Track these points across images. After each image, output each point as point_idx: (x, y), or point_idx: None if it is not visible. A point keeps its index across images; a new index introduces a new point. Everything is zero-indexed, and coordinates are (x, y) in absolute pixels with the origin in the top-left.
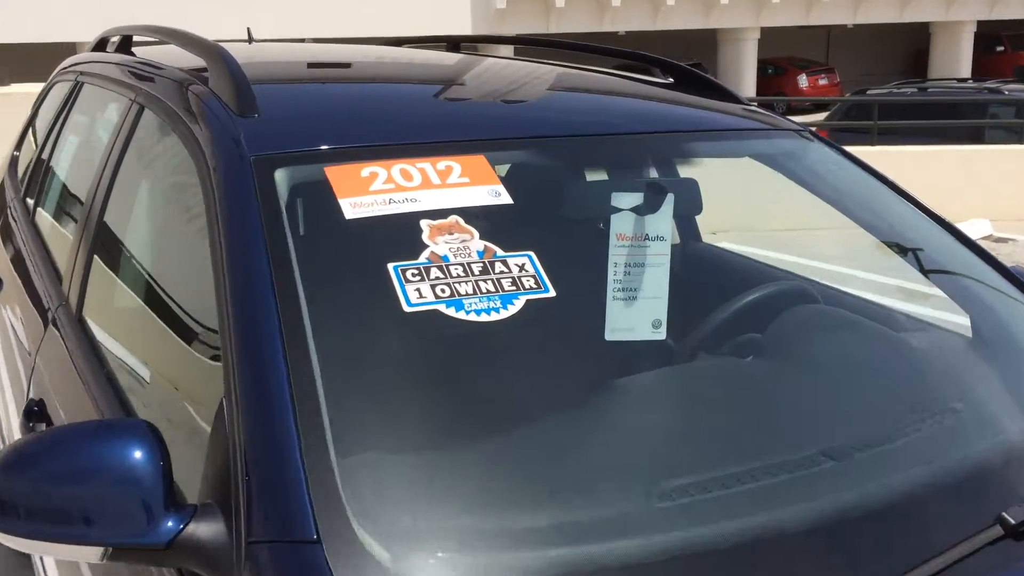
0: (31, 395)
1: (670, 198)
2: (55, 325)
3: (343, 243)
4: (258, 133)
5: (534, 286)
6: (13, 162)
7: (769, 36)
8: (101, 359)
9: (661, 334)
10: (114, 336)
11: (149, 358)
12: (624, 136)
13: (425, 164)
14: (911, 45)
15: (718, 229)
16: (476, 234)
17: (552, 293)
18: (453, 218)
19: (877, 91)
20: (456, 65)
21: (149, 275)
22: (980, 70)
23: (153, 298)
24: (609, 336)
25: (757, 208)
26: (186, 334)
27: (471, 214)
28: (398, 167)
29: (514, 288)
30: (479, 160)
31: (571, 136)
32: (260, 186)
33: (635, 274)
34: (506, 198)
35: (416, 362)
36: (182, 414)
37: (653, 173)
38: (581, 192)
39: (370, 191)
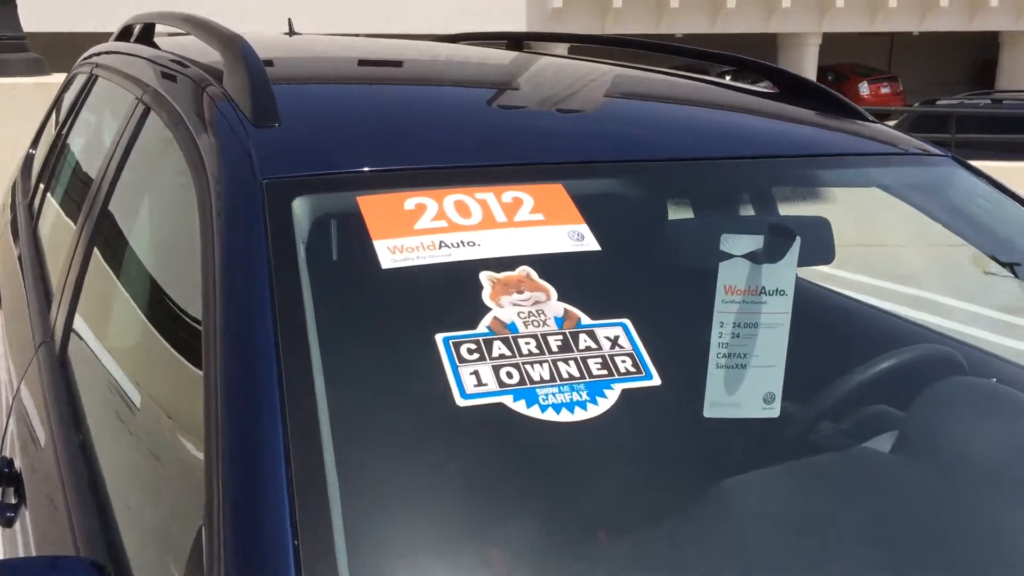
0: (5, 449)
1: (797, 243)
2: (38, 360)
3: (377, 303)
4: (275, 148)
5: (632, 369)
6: (28, 160)
7: (831, 41)
8: (79, 417)
9: (774, 411)
10: (98, 386)
11: (135, 413)
12: (734, 161)
13: (486, 194)
14: (978, 54)
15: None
16: (553, 293)
17: (656, 380)
18: (523, 270)
19: (947, 102)
20: (523, 67)
21: (145, 313)
22: None
23: (148, 340)
24: (709, 412)
25: (885, 251)
26: (180, 392)
27: (546, 264)
28: (452, 198)
29: (605, 372)
30: (556, 191)
31: (670, 160)
32: (272, 218)
33: (746, 337)
34: (591, 242)
35: (473, 480)
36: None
37: (748, 209)
38: (685, 233)
39: (416, 230)
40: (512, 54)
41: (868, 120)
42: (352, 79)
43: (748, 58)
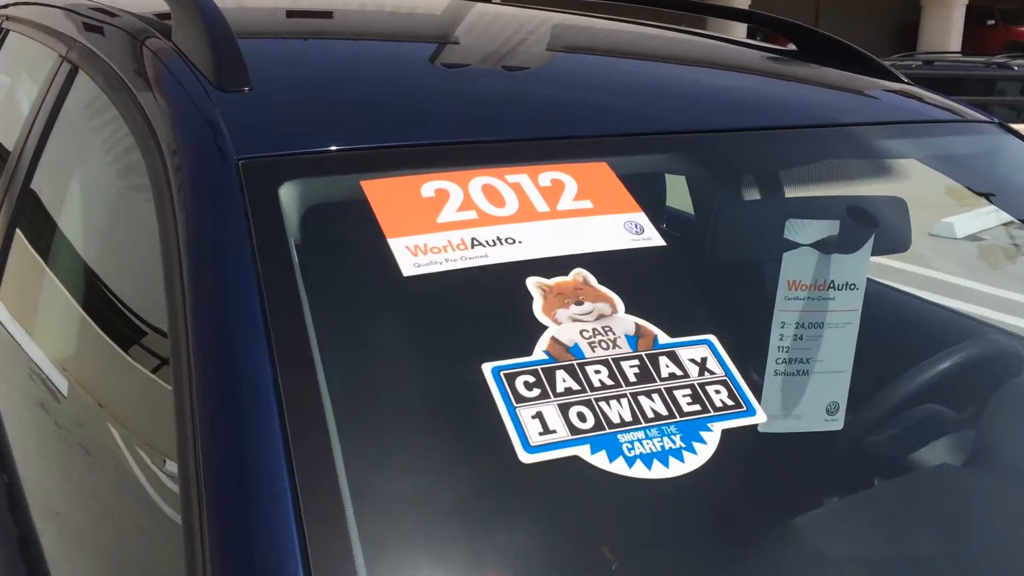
0: None
1: (873, 229)
2: None
3: (397, 321)
4: (250, 118)
5: (729, 403)
6: None
7: (757, 4)
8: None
9: (837, 423)
10: (16, 398)
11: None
12: (785, 132)
13: (519, 176)
14: (900, 18)
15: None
16: (619, 303)
17: (760, 416)
18: (579, 274)
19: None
20: (546, 24)
21: (80, 314)
22: (971, 45)
23: (83, 343)
24: (765, 427)
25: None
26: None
27: (601, 265)
28: (479, 182)
29: (698, 408)
30: (602, 171)
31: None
32: (254, 210)
33: (810, 339)
34: (653, 236)
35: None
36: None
37: (747, 194)
38: (736, 219)
39: (440, 225)
40: (532, 11)
41: (900, 80)
42: (342, 33)
43: (757, 11)
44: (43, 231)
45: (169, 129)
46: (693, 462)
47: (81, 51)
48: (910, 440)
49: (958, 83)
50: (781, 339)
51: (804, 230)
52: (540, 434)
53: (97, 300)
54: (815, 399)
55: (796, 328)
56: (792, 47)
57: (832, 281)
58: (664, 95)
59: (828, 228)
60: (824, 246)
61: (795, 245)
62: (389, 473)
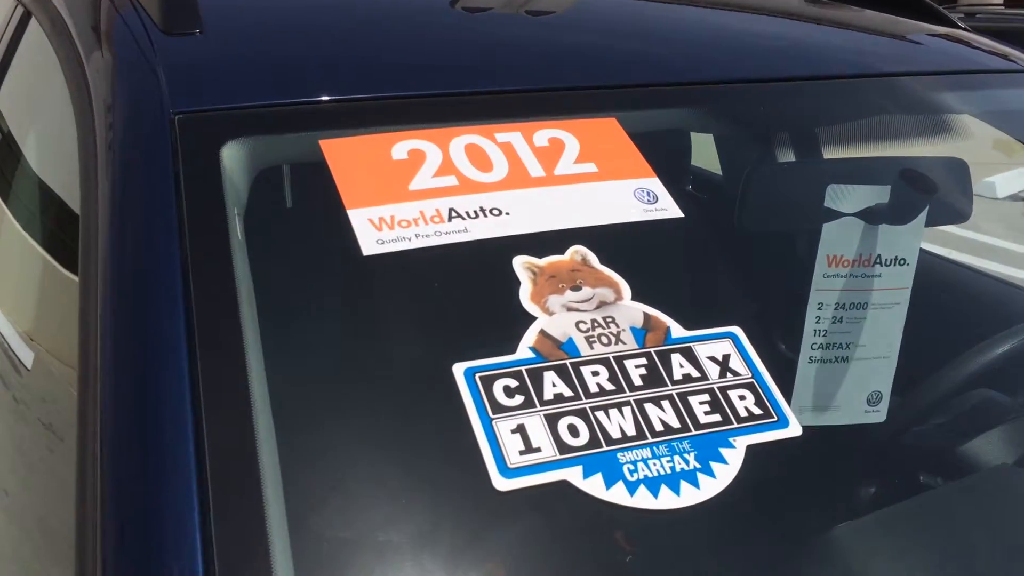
0: None
1: (929, 196)
2: None
3: (355, 309)
4: (192, 66)
5: (757, 411)
6: None
7: None
8: None
9: (879, 414)
10: None
11: None
12: (814, 83)
13: (511, 135)
14: None
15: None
16: (625, 288)
17: (795, 429)
18: (577, 252)
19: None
20: None
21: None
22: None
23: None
24: (801, 417)
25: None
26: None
27: (607, 242)
28: (462, 141)
29: (719, 419)
30: (609, 128)
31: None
32: (187, 174)
33: (851, 321)
34: (668, 206)
35: None
36: None
37: (781, 155)
38: (786, 181)
39: (412, 192)
40: None
41: (955, 25)
42: None
43: None
44: None
45: (102, 79)
46: (710, 488)
47: None
48: (960, 433)
49: (1000, 37)
50: (818, 321)
51: (847, 197)
52: (521, 453)
53: (49, 270)
54: (855, 388)
55: (836, 309)
56: None
57: (879, 256)
58: (686, 39)
59: (876, 195)
60: (871, 215)
61: (837, 214)
62: (325, 503)
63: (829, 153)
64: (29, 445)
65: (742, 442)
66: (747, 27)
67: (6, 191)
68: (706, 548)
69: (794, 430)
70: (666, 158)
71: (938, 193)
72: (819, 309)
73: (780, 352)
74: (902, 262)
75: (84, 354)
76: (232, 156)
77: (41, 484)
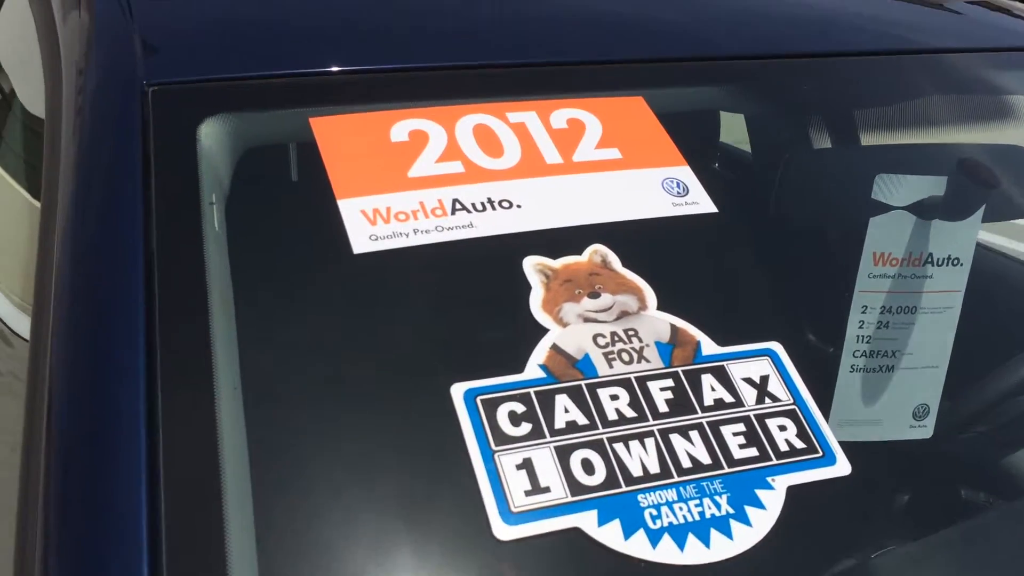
0: None
1: (986, 190)
2: None
3: (342, 316)
4: (169, 33)
5: (800, 445)
6: None
7: None
8: None
9: (926, 430)
10: None
11: None
12: (864, 58)
13: (525, 115)
14: None
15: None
16: (650, 295)
17: (845, 467)
18: (597, 252)
19: None
20: None
21: None
22: None
23: None
24: (840, 432)
25: None
26: None
27: (631, 240)
28: (470, 121)
29: (756, 454)
30: (636, 107)
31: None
32: (159, 153)
33: (898, 327)
34: (701, 199)
35: None
36: None
37: (823, 140)
38: (829, 170)
39: (412, 180)
40: None
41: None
42: None
43: None
44: None
45: (76, 42)
46: (746, 539)
47: None
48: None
49: None
50: (861, 327)
51: (897, 188)
52: (527, 494)
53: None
54: (900, 401)
55: (881, 313)
56: None
57: (931, 255)
58: (718, 10)
59: (929, 186)
60: (923, 209)
61: (884, 207)
62: (296, 547)
63: (876, 138)
64: (15, 421)
65: (782, 482)
66: None
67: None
68: None
69: (842, 468)
70: (695, 141)
71: (998, 185)
72: (863, 313)
73: (826, 372)
74: (956, 262)
75: (35, 354)
76: (211, 134)
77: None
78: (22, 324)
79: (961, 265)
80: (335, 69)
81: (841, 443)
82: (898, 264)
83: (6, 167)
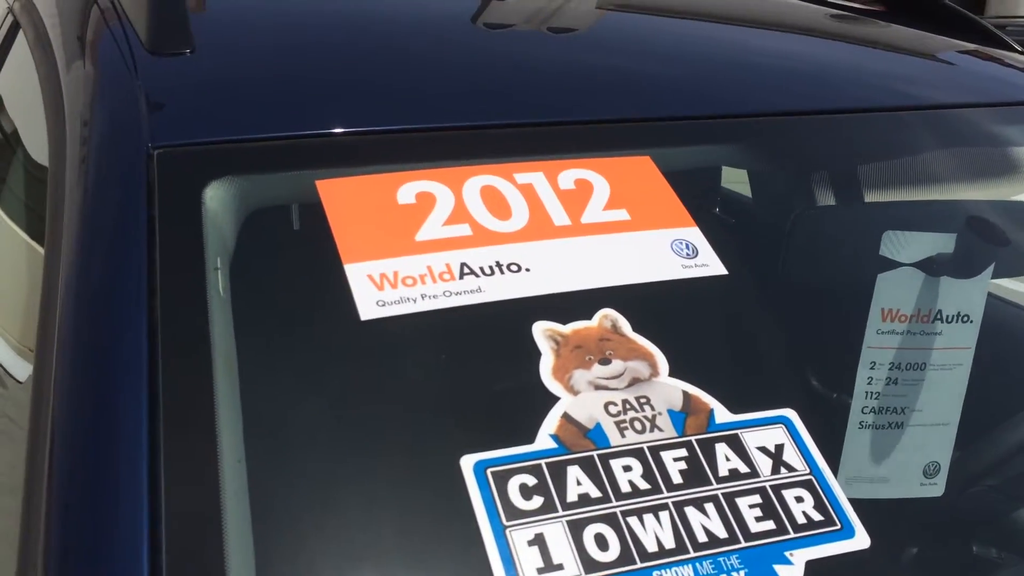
0: None
1: (995, 246)
2: None
3: (347, 389)
4: (177, 92)
5: (815, 516)
6: None
7: None
8: None
9: (936, 488)
10: None
11: None
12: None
13: (533, 176)
14: None
15: None
16: (662, 361)
17: (863, 540)
18: (607, 317)
19: None
20: None
21: None
22: None
23: None
24: (848, 489)
25: None
26: None
27: (640, 304)
28: (477, 183)
29: (773, 527)
30: (642, 167)
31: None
32: (163, 217)
33: (907, 383)
34: (710, 261)
35: None
36: None
37: (830, 197)
38: (833, 231)
39: (419, 244)
40: None
41: (1014, 49)
42: None
43: None
44: None
45: (80, 101)
46: None
47: (24, 4)
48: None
49: None
50: (870, 383)
51: (905, 245)
52: (540, 572)
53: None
54: (911, 458)
55: (890, 370)
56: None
57: (939, 311)
58: (726, 67)
59: (937, 243)
60: (931, 266)
61: (893, 264)
62: None
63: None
64: (15, 464)
65: (800, 556)
66: (796, 49)
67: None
68: None
69: (860, 541)
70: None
71: (1007, 242)
72: (871, 369)
73: (842, 438)
74: (965, 319)
75: (34, 430)
76: (216, 197)
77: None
78: (17, 366)
79: (971, 322)
80: (345, 130)
81: (858, 513)
82: (907, 320)
83: (7, 210)
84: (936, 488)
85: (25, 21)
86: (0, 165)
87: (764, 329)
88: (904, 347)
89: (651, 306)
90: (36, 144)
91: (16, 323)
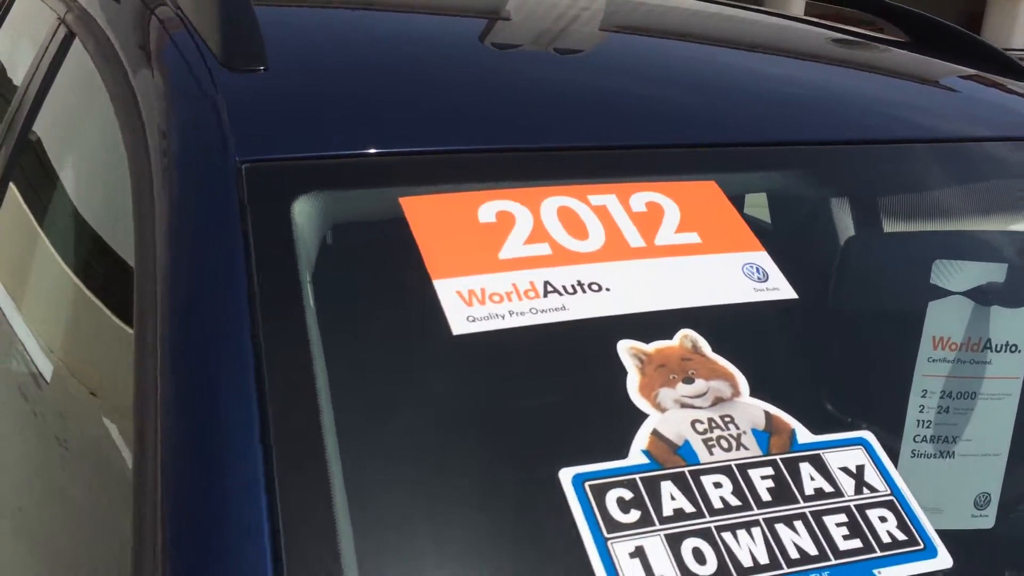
0: None
1: None
2: None
3: (441, 399)
4: (261, 108)
5: (899, 535)
6: None
7: None
8: None
9: (987, 520)
10: None
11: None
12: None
13: (606, 197)
14: (965, 8)
15: None
16: (743, 382)
17: (945, 559)
18: (687, 338)
19: None
20: (638, 4)
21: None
22: None
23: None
24: None
25: None
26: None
27: (717, 326)
28: (553, 203)
29: (857, 545)
30: (710, 191)
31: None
32: (257, 232)
33: (958, 412)
34: (781, 284)
35: None
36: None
37: (844, 222)
38: (895, 253)
39: (503, 262)
40: None
41: None
42: (391, 4)
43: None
44: (31, 209)
45: (158, 120)
46: None
47: (79, 15)
48: None
49: None
50: (922, 411)
51: (956, 273)
52: None
53: (79, 286)
54: (961, 489)
55: (941, 398)
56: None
57: (988, 340)
58: (786, 97)
59: (988, 272)
60: (981, 295)
61: (943, 292)
62: None
63: (943, 224)
64: (43, 461)
65: (888, 575)
66: (841, 82)
67: (41, 213)
68: None
69: (943, 561)
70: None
71: None
72: (923, 397)
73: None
74: (1014, 348)
75: (140, 438)
76: (303, 212)
77: (50, 503)
78: (46, 368)
79: (1020, 352)
80: (428, 149)
81: (938, 532)
82: (957, 348)
83: (33, 211)
84: (987, 520)
85: (82, 31)
86: (41, 169)
87: (831, 352)
88: (954, 375)
89: (727, 328)
90: (98, 152)
91: (46, 327)
